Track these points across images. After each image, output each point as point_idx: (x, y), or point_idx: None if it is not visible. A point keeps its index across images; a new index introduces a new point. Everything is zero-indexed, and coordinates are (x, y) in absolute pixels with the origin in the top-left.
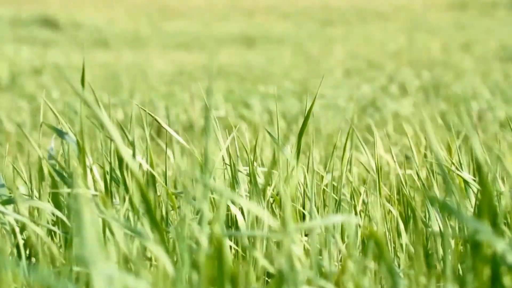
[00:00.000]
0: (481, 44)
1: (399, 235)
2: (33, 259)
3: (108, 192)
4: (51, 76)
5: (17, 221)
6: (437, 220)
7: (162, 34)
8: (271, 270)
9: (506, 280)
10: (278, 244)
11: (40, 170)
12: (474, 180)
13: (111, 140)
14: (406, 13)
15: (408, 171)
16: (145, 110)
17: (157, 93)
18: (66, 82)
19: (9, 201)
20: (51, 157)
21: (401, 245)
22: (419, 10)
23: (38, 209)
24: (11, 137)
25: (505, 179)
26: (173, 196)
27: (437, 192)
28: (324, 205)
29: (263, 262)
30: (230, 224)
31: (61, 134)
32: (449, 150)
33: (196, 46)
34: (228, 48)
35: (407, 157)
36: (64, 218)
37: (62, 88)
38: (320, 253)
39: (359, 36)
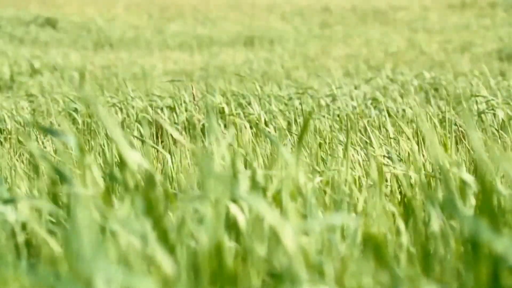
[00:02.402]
0: (480, 44)
1: (399, 234)
2: (34, 259)
3: (108, 191)
4: (51, 76)
5: (17, 220)
6: (437, 220)
7: (162, 34)
8: (272, 270)
9: (506, 280)
10: (279, 244)
11: (37, 169)
12: (474, 180)
13: (112, 139)
14: (406, 14)
15: (406, 172)
16: (146, 111)
17: (157, 92)
18: (67, 82)
19: (9, 200)
20: (45, 156)
21: (401, 244)
22: (418, 10)
23: (37, 208)
24: (11, 136)
25: (502, 178)
26: (174, 196)
27: (437, 191)
28: (324, 205)
29: (263, 262)
30: (229, 224)
31: (56, 134)
32: (445, 148)
33: (196, 46)
34: (228, 48)
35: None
36: (63, 217)
37: (63, 87)
38: (320, 252)
39: (358, 37)
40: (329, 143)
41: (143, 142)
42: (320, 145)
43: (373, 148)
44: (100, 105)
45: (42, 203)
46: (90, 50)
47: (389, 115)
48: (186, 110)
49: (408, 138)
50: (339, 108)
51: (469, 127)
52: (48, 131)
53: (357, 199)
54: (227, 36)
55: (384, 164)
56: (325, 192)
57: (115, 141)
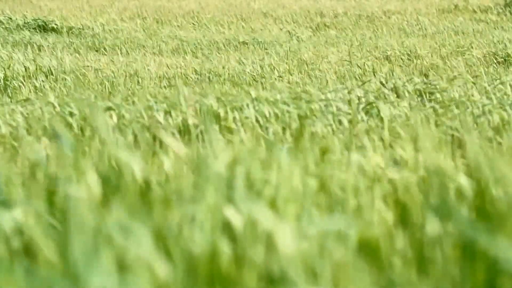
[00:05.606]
0: (474, 48)
1: (395, 239)
2: (30, 263)
3: (104, 195)
4: (45, 80)
5: (13, 224)
6: (433, 224)
7: (156, 38)
8: (268, 274)
9: (502, 284)
10: (275, 248)
11: (33, 174)
12: (469, 184)
13: (108, 143)
14: (399, 18)
15: (404, 175)
16: (142, 115)
17: (152, 96)
18: (61, 86)
19: (4, 204)
20: (42, 161)
21: (397, 249)
22: (411, 14)
23: (33, 212)
24: (5, 140)
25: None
26: (170, 200)
27: (433, 195)
28: (320, 208)
29: (259, 266)
30: (226, 228)
31: (56, 137)
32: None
33: (190, 50)
34: (221, 52)
35: (396, 162)
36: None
37: (58, 91)
38: (316, 256)
39: (352, 41)
40: (325, 146)
41: (139, 146)
42: (315, 149)
43: (369, 152)
44: (95, 109)
45: (38, 207)
46: (83, 54)
47: (384, 119)
48: (181, 112)
49: (404, 142)
50: (333, 112)
51: (466, 131)
52: (47, 134)
53: (353, 203)
54: (221, 40)
55: (379, 168)
56: (321, 195)
57: (111, 145)
